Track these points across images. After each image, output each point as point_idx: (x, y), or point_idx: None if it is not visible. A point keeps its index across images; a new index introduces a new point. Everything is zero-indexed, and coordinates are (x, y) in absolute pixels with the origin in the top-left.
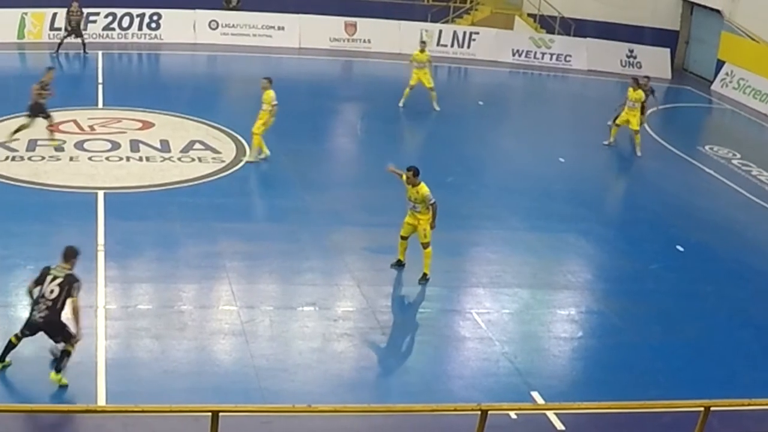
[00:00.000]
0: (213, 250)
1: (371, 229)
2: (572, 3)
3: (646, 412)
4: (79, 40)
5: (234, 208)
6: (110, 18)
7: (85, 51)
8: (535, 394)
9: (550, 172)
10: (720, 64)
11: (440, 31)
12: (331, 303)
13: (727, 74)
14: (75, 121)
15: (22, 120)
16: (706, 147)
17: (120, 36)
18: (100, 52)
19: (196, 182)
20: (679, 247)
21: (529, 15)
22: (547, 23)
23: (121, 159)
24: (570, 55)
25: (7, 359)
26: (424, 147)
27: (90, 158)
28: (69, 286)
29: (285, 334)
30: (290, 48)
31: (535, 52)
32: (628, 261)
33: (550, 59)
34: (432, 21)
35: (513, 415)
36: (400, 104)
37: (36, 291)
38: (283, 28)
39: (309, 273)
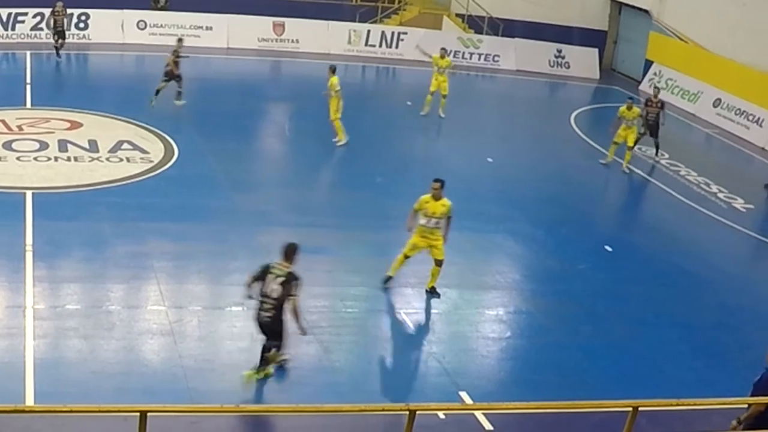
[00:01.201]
0: (141, 250)
1: (299, 229)
2: (500, 3)
3: (574, 412)
4: (60, 41)
5: (162, 209)
6: (38, 18)
7: (58, 54)
8: (463, 394)
9: (478, 172)
10: (648, 64)
11: (368, 32)
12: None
13: (655, 74)
14: (3, 121)
15: None
16: (634, 147)
17: (48, 36)
18: (28, 52)
19: (124, 182)
20: (608, 248)
21: (458, 15)
22: (475, 23)
23: (49, 159)
24: (498, 55)
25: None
26: (353, 147)
27: (18, 158)
28: (290, 284)
29: (213, 334)
30: (218, 48)
31: (464, 52)
32: (557, 261)
33: (479, 59)
34: (360, 21)
35: (441, 415)
36: (441, 115)
37: (255, 286)
38: (211, 28)
39: (237, 273)
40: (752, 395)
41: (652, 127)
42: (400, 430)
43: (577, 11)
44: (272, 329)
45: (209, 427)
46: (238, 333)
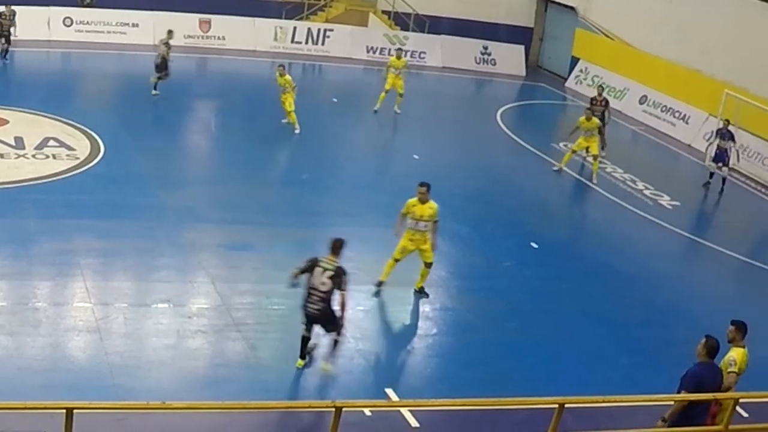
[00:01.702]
0: (67, 247)
1: (225, 226)
2: (427, 0)
3: (500, 409)
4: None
5: (88, 205)
6: None
7: (4, 57)
8: (389, 391)
9: (404, 168)
10: (574, 61)
11: (294, 28)
12: (185, 300)
13: (581, 71)
14: None
15: None
16: (561, 144)
17: None
18: None
19: (50, 179)
20: (534, 244)
21: (384, 12)
22: (401, 20)
23: None
24: (424, 52)
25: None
26: (279, 143)
27: None
28: (339, 278)
29: (139, 331)
30: (145, 45)
31: (390, 49)
32: (483, 258)
33: (405, 56)
34: (286, 18)
35: (367, 412)
36: (397, 111)
37: (302, 278)
38: (137, 25)
39: (164, 270)
40: (679, 390)
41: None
42: (327, 427)
43: (503, 8)
44: (325, 320)
45: (135, 424)
46: (164, 330)
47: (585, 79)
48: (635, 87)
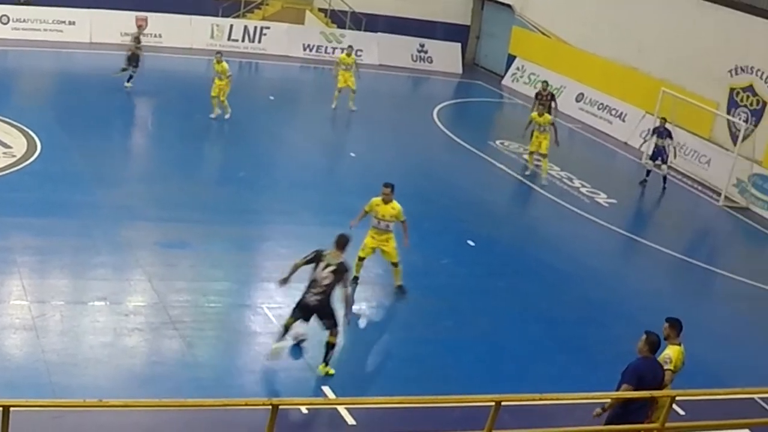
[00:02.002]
0: (4, 244)
1: (162, 224)
2: None
3: (437, 407)
4: None
5: (25, 203)
6: None
7: None
8: (326, 389)
9: (341, 166)
10: (511, 58)
11: (231, 26)
12: (122, 298)
13: (518, 69)
14: None
15: None
16: (497, 142)
17: None
18: None
19: None
20: (470, 242)
21: (320, 10)
22: (338, 18)
23: None
24: (361, 50)
25: (285, 341)
26: (216, 141)
27: None
28: (341, 274)
29: (76, 329)
30: (81, 43)
31: (326, 47)
32: (419, 255)
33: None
34: (223, 16)
35: (304, 409)
36: (353, 108)
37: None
38: (74, 23)
39: (100, 268)
40: (620, 383)
41: None
42: (263, 425)
43: (440, 6)
44: (322, 312)
45: (72, 422)
46: (101, 328)
47: (521, 76)
48: (572, 85)
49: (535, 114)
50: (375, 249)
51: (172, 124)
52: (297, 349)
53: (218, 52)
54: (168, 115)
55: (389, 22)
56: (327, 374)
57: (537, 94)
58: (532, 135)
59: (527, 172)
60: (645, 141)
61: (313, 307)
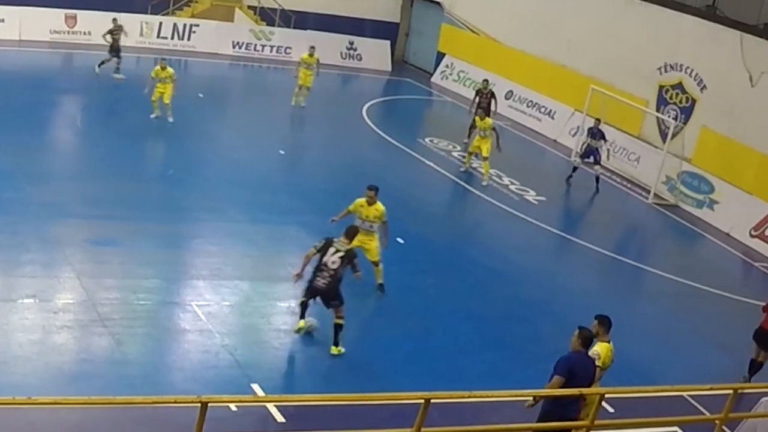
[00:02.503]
0: None
1: (92, 221)
2: None
3: (366, 405)
4: None
5: None
6: None
7: None
8: (255, 387)
9: (270, 164)
10: (440, 56)
11: (160, 24)
12: (51, 295)
13: (447, 66)
14: None
15: None
16: (426, 139)
17: None
18: None
19: None
20: (399, 239)
21: (250, 7)
22: (267, 15)
23: None
24: (290, 48)
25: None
26: (145, 139)
27: None
28: (350, 259)
29: (4, 326)
30: (10, 40)
31: (256, 45)
32: None
33: (271, 51)
34: (152, 13)
35: (233, 407)
36: (302, 104)
37: (315, 258)
38: (2, 21)
39: (29, 265)
40: (551, 375)
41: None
42: (193, 423)
43: (369, 3)
44: (328, 294)
45: (1, 419)
46: (30, 325)
47: (451, 74)
48: (501, 82)
49: (476, 118)
50: (357, 248)
51: (101, 122)
52: (225, 347)
53: (162, 58)
54: (97, 112)
55: (319, 20)
56: (339, 353)
57: (477, 92)
58: (470, 134)
59: (462, 170)
60: (579, 141)
61: (322, 290)
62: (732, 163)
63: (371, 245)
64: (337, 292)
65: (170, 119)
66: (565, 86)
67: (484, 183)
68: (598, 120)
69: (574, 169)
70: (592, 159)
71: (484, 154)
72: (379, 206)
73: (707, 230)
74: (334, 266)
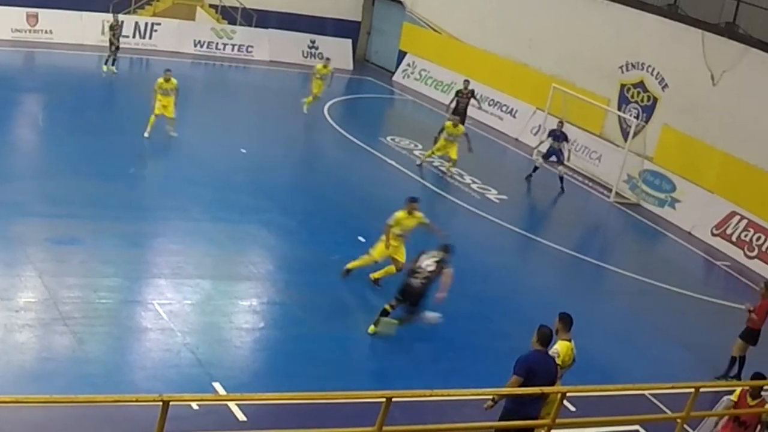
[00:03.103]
0: None
1: (53, 220)
2: None
3: (327, 403)
4: None
5: None
6: None
7: None
8: (216, 385)
9: (231, 163)
10: (402, 55)
11: (122, 22)
12: (12, 294)
13: (408, 65)
14: None
15: None
16: (388, 138)
17: None
18: None
19: None
20: (361, 238)
21: (211, 6)
22: (229, 14)
23: None
24: (252, 46)
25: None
26: (106, 138)
27: None
28: (443, 264)
29: None
30: None
31: (217, 43)
32: (310, 252)
33: (232, 50)
34: (114, 12)
35: (195, 405)
36: (305, 111)
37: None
38: None
39: None
40: (511, 374)
41: (461, 116)
42: (154, 421)
43: (330, 2)
44: (417, 295)
45: None
46: None
47: (412, 73)
48: (462, 81)
49: (449, 124)
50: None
51: (62, 120)
52: (187, 346)
53: (167, 69)
54: (58, 111)
55: (280, 18)
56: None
57: (458, 92)
58: (437, 138)
59: (417, 163)
60: (541, 141)
61: (413, 290)
62: (694, 162)
63: (401, 250)
64: (423, 296)
65: (174, 134)
66: (526, 85)
67: (418, 163)
68: (561, 122)
69: (535, 168)
70: (555, 159)
71: (453, 156)
72: (417, 214)
73: (669, 229)
74: (431, 269)
